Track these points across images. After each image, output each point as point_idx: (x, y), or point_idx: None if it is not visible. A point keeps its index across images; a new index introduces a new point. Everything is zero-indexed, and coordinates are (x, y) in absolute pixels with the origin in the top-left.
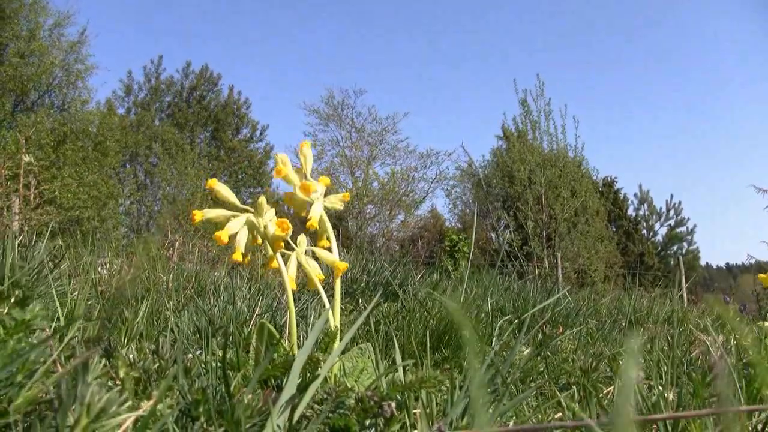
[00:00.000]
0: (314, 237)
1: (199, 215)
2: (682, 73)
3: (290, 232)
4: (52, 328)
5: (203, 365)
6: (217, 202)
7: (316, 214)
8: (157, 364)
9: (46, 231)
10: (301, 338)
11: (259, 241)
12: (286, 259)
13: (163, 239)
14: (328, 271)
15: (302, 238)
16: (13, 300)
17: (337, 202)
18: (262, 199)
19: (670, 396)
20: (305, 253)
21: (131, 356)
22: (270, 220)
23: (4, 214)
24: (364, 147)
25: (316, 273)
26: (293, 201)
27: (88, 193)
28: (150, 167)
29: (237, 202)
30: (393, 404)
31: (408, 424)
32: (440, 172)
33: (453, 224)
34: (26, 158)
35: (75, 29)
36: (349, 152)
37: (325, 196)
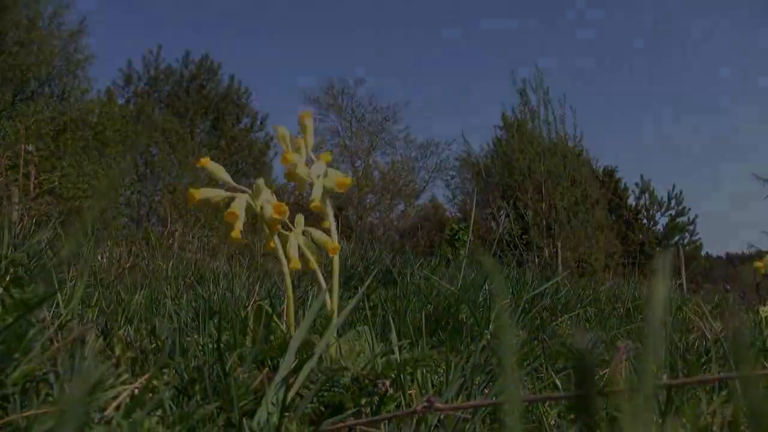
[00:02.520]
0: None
1: (197, 194)
2: (683, 64)
3: (287, 215)
4: (51, 313)
5: (200, 346)
6: (210, 181)
7: (318, 195)
8: (154, 345)
9: (46, 221)
10: (300, 322)
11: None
12: (284, 239)
13: (163, 229)
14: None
15: (300, 218)
16: (8, 278)
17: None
18: (260, 181)
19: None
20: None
21: (128, 337)
22: (266, 201)
23: (3, 203)
24: (365, 136)
25: (314, 255)
26: (293, 176)
27: (88, 182)
28: (150, 157)
29: (230, 181)
30: (388, 383)
31: (404, 403)
32: (440, 162)
33: (453, 214)
34: (29, 147)
35: (74, 18)
36: (349, 142)
37: (327, 176)
